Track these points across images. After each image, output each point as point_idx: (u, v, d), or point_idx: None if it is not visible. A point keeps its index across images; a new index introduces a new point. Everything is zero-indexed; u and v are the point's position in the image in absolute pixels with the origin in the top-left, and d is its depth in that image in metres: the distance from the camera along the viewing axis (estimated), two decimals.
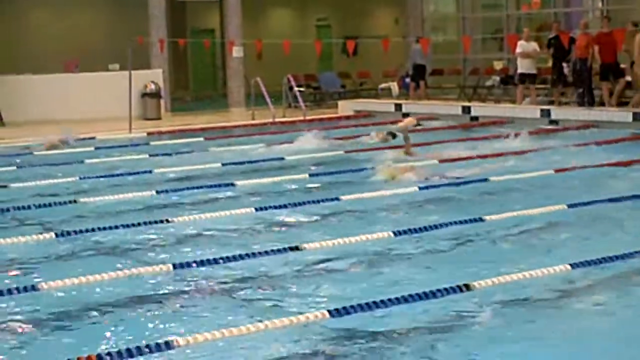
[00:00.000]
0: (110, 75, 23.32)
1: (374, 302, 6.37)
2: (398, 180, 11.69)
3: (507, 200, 10.66)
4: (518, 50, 22.46)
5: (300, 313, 6.35)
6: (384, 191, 11.05)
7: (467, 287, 6.76)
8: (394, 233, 8.78)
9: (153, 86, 23.25)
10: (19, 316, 6.61)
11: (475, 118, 20.24)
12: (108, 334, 6.21)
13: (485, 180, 11.74)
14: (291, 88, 23.66)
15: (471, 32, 28.63)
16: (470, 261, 7.97)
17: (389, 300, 6.42)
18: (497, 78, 26.28)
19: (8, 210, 10.51)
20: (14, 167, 14.34)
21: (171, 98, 25.22)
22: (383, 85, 27.49)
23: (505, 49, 27.29)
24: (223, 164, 13.96)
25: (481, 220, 9.29)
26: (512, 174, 12.20)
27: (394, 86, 26.94)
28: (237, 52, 25.41)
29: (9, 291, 7.03)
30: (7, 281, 7.53)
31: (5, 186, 12.35)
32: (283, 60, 24.80)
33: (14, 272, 7.89)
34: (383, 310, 6.33)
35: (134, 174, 13.23)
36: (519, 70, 22.69)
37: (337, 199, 10.69)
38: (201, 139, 18.08)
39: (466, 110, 20.69)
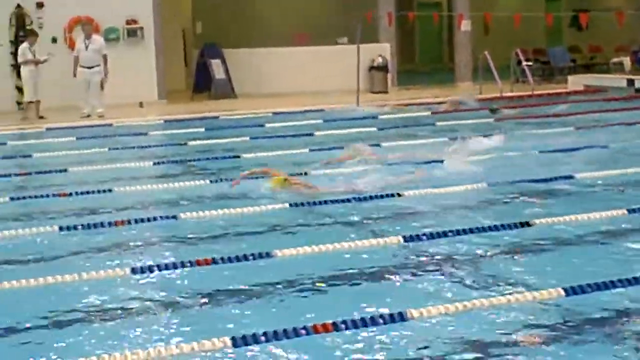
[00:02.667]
0: (338, 49, 23.59)
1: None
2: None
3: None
4: None
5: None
6: None
7: None
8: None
9: (381, 60, 23.39)
10: (256, 279, 6.79)
11: None
12: (344, 302, 6.29)
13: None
14: (519, 62, 23.20)
15: None
16: None
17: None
18: None
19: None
20: (247, 138, 14.76)
21: (397, 71, 25.25)
22: (615, 60, 26.58)
23: None
24: None
25: None
26: None
27: (627, 61, 26.00)
28: (465, 25, 25.16)
29: (245, 257, 7.28)
30: (243, 245, 7.82)
31: (237, 156, 12.75)
32: (509, 34, 24.34)
33: (251, 241, 8.11)
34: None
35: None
36: None
37: None
38: (427, 112, 18.05)
39: None
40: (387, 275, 6.96)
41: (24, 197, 10.28)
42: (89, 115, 19.06)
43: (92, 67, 19.14)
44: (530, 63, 24.14)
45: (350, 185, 10.09)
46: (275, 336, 5.38)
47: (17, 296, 6.60)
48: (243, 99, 22.00)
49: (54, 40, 20.76)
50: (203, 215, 8.98)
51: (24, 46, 19.26)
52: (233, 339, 5.32)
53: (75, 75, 19.20)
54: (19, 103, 20.33)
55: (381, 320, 5.64)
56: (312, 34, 24.55)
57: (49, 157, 13.77)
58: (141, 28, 21.76)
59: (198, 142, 14.75)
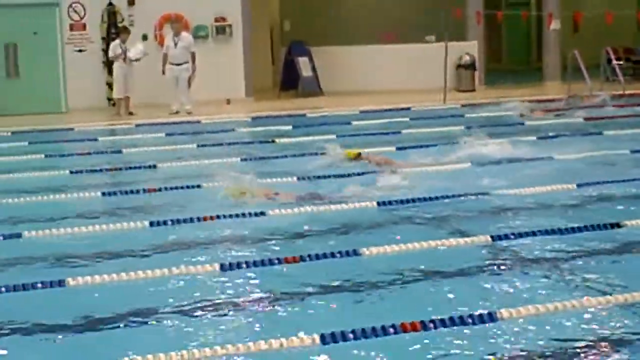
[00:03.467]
0: (425, 47, 23.48)
1: None
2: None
3: None
4: None
5: None
6: None
7: None
8: None
9: (468, 58, 23.22)
10: (344, 277, 6.80)
11: None
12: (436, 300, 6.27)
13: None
14: (609, 61, 22.82)
15: None
16: None
17: None
18: None
19: None
20: (334, 136, 14.78)
21: (484, 70, 25.03)
22: None
23: None
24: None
25: None
26: None
27: None
28: (555, 24, 24.82)
29: (332, 255, 7.30)
30: (331, 243, 7.84)
31: (324, 154, 12.77)
32: (598, 33, 23.95)
33: (339, 239, 8.13)
34: None
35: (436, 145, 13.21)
36: None
37: None
38: (515, 112, 17.87)
39: None
40: (475, 275, 6.91)
41: (114, 193, 10.44)
42: (177, 112, 19.28)
43: (180, 64, 19.36)
44: (620, 62, 23.73)
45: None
46: (363, 334, 5.38)
47: (107, 290, 6.72)
48: (330, 96, 22.03)
49: (145, 37, 21.05)
50: (291, 212, 9.02)
51: (115, 43, 19.58)
52: (322, 336, 5.34)
53: (164, 72, 19.44)
54: (109, 99, 20.68)
55: (470, 321, 5.61)
56: (400, 31, 24.48)
57: (139, 153, 13.98)
58: (230, 26, 21.94)
59: (285, 139, 14.82)
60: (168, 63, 19.41)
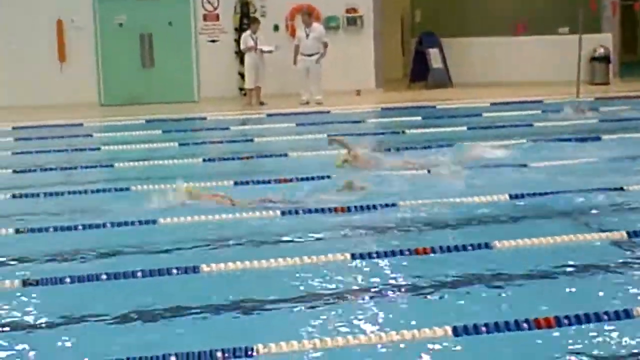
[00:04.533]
0: (559, 39, 23.05)
1: None
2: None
3: None
4: None
5: None
6: None
7: None
8: None
9: (602, 50, 22.71)
10: (474, 270, 6.76)
11: None
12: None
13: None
14: None
15: None
16: None
17: None
18: None
19: None
20: (464, 127, 14.68)
21: (619, 63, 24.44)
22: None
23: None
24: None
25: None
26: None
27: None
28: None
29: (464, 247, 7.26)
30: (461, 236, 7.79)
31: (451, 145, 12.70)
32: None
33: (469, 232, 8.08)
34: None
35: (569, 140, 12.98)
36: None
37: None
38: None
39: None
40: (609, 270, 6.78)
41: (247, 182, 10.57)
42: (307, 102, 19.44)
43: (312, 55, 19.51)
44: None
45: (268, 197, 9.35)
46: (496, 327, 5.34)
47: (241, 277, 6.83)
48: (460, 88, 21.87)
49: (276, 28, 21.28)
50: (422, 204, 8.99)
51: (246, 34, 19.86)
52: (454, 328, 5.32)
53: (295, 63, 19.62)
54: (241, 89, 20.97)
55: (605, 317, 5.50)
56: (532, 23, 24.09)
57: (270, 142, 14.14)
58: (360, 16, 21.98)
59: (415, 130, 14.78)
60: (300, 54, 19.58)
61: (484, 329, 5.33)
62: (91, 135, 15.57)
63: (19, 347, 5.58)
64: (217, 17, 21.42)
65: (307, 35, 19.59)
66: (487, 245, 7.30)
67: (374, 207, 8.93)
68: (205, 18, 21.37)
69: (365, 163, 11.11)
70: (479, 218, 8.56)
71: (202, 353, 5.06)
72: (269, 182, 10.50)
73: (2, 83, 20.14)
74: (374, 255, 7.19)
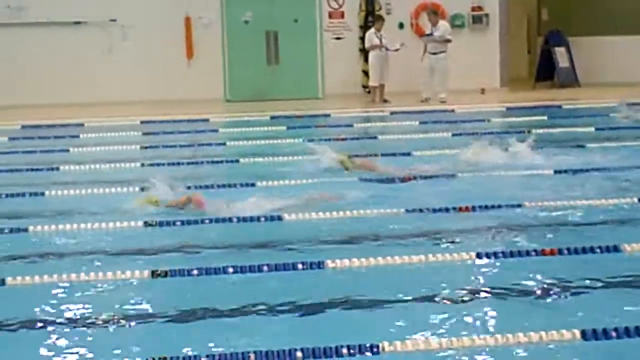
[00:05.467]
0: None
1: None
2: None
3: None
4: None
5: None
6: None
7: None
8: None
9: None
10: (602, 274, 6.62)
11: None
12: None
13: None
14: None
15: None
16: None
17: None
18: None
19: None
20: (592, 128, 14.39)
21: None
22: None
23: None
24: None
25: None
26: None
27: None
28: None
29: (592, 250, 7.14)
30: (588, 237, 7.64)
31: (582, 146, 12.46)
32: None
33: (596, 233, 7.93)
34: None
35: None
36: None
37: None
38: None
39: None
40: None
41: (370, 180, 10.57)
42: (427, 100, 19.32)
43: (436, 54, 19.41)
44: None
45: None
46: (626, 333, 5.22)
47: (365, 274, 6.84)
48: (587, 88, 21.44)
49: (401, 25, 21.24)
50: (547, 205, 8.86)
51: (371, 31, 19.87)
52: (583, 332, 5.22)
53: (422, 60, 19.56)
54: (364, 87, 21.00)
55: None
56: None
57: (393, 140, 14.11)
58: (486, 15, 21.77)
59: (541, 130, 14.55)
60: (427, 52, 19.51)
61: (613, 334, 5.22)
62: (217, 131, 15.82)
63: (149, 337, 5.71)
64: (343, 15, 21.50)
65: (432, 34, 19.49)
66: (615, 249, 7.15)
67: (499, 206, 8.84)
68: (330, 16, 21.47)
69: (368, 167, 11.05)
70: (607, 219, 8.39)
71: (327, 349, 5.08)
72: (393, 181, 10.49)
73: (131, 78, 20.62)
74: (500, 254, 7.12)
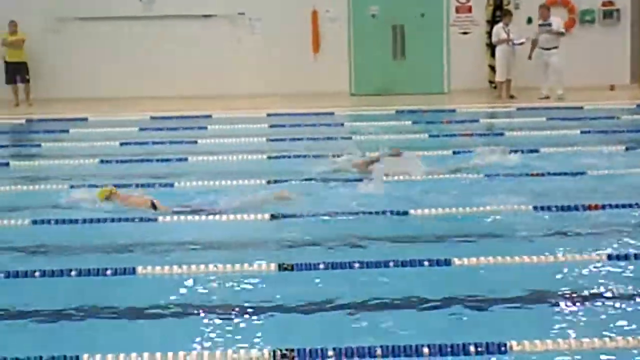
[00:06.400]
0: None
1: None
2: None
3: None
4: None
5: None
6: None
7: None
8: None
9: None
10: None
11: None
12: None
13: None
14: None
15: None
16: None
17: None
18: None
19: None
20: None
21: None
22: None
23: None
24: None
25: None
26: None
27: None
28: None
29: None
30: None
31: None
32: None
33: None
34: None
35: None
36: None
37: None
38: None
39: None
40: None
41: (496, 175, 10.46)
42: (547, 97, 18.98)
43: (549, 49, 19.05)
44: None
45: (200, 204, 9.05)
46: None
47: (492, 272, 6.78)
48: None
49: (529, 20, 20.90)
50: None
51: (498, 26, 19.64)
52: None
53: (530, 58, 19.23)
54: (491, 82, 20.77)
55: None
56: None
57: (520, 137, 13.92)
58: (617, 10, 21.29)
59: None
60: (537, 47, 19.16)
61: None
62: (342, 124, 15.88)
63: (275, 330, 5.78)
64: (470, 9, 21.31)
65: (545, 29, 19.13)
66: None
67: (630, 205, 8.64)
68: (457, 10, 21.31)
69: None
70: None
71: (455, 346, 5.06)
72: (519, 175, 10.37)
73: (258, 71, 20.86)
74: (632, 256, 6.96)
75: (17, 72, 20.33)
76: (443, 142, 13.25)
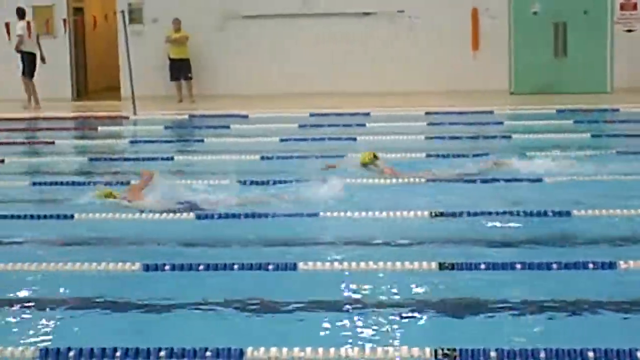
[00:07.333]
0: None
1: None
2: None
3: None
4: None
5: None
6: None
7: None
8: None
9: None
10: None
11: None
12: None
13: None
14: None
15: None
16: None
17: None
18: None
19: None
20: None
21: None
22: None
23: None
24: None
25: None
26: None
27: None
28: None
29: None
30: None
31: None
32: None
33: None
34: None
35: None
36: None
37: None
38: None
39: None
40: None
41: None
42: None
43: None
44: None
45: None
46: None
47: None
48: None
49: None
50: None
51: None
52: None
53: None
54: None
55: None
56: None
57: None
58: None
59: None
60: None
61: None
62: (502, 123, 15.69)
63: (434, 328, 5.81)
64: (635, 7, 20.73)
65: None
66: None
67: None
68: (622, 7, 20.75)
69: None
70: None
71: (571, 351, 4.96)
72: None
73: (417, 69, 20.83)
74: None
75: (181, 69, 20.88)
76: (606, 143, 12.94)
